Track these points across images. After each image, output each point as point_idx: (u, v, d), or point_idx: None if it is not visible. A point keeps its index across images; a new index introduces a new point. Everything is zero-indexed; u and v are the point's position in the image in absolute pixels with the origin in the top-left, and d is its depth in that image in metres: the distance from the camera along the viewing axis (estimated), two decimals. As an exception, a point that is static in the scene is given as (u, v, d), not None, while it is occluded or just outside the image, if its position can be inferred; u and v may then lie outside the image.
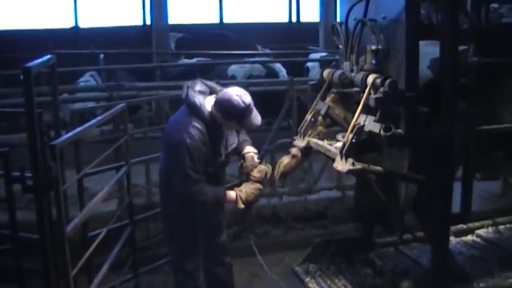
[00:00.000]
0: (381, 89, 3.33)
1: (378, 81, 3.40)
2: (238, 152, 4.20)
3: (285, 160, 4.13)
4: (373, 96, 3.33)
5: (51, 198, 2.89)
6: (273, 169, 4.17)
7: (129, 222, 4.65)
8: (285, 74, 10.86)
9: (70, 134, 3.44)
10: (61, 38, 13.41)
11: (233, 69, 10.81)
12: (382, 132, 3.28)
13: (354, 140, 3.39)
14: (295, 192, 6.51)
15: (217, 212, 4.21)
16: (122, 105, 4.44)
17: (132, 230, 4.64)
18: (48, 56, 3.48)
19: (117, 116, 4.56)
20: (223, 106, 3.75)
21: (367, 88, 3.45)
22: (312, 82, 4.32)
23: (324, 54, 12.50)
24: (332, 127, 4.21)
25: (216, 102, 3.79)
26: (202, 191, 3.82)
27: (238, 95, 3.73)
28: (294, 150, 4.14)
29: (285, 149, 6.40)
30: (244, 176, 4.21)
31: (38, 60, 3.10)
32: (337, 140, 3.84)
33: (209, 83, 4.02)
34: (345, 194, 6.65)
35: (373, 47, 3.56)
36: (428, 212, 3.83)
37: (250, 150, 4.17)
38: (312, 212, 6.50)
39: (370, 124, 3.40)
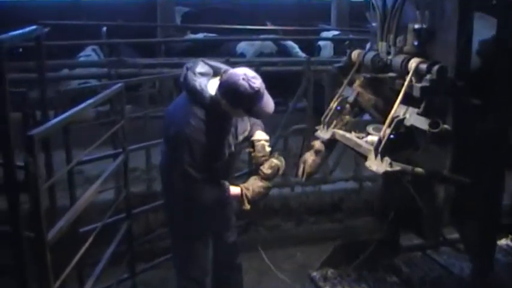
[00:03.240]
0: (427, 77, 2.80)
1: (423, 66, 2.86)
2: (248, 138, 3.65)
3: (310, 158, 3.58)
4: (418, 84, 2.80)
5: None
6: (286, 160, 3.64)
7: (126, 216, 4.15)
8: (299, 51, 10.28)
9: (56, 120, 2.90)
10: (62, 10, 12.81)
11: (242, 46, 10.20)
12: (428, 128, 2.74)
13: (392, 136, 2.86)
14: (308, 182, 5.94)
15: (224, 209, 3.68)
16: (118, 85, 3.90)
17: (130, 224, 4.14)
18: (33, 27, 2.95)
19: (114, 96, 4.03)
20: (228, 91, 3.16)
21: (409, 74, 2.92)
22: (338, 64, 3.76)
23: (336, 33, 11.90)
24: (359, 116, 3.68)
25: (220, 86, 3.21)
26: (202, 189, 3.31)
27: (246, 78, 3.11)
28: (317, 145, 3.60)
29: (299, 136, 6.04)
30: (253, 166, 3.68)
31: (16, 32, 2.57)
32: (368, 133, 3.32)
33: (213, 62, 3.41)
34: (362, 185, 6.14)
35: (416, 26, 3.03)
36: (470, 219, 3.33)
37: (261, 138, 3.60)
38: (326, 204, 5.98)
39: (413, 117, 2.87)
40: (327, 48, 11.18)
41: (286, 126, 5.81)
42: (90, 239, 3.28)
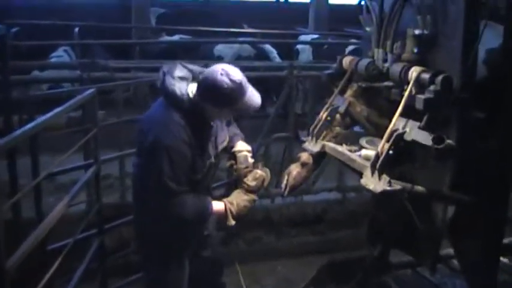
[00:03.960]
0: (431, 87, 2.56)
1: (425, 76, 2.62)
2: (228, 150, 3.39)
3: (295, 170, 3.32)
4: (421, 96, 2.55)
5: None
6: (272, 173, 3.39)
7: (98, 231, 3.85)
8: (277, 56, 10.06)
9: (22, 129, 2.61)
10: (34, 10, 12.39)
11: (220, 49, 9.97)
12: (432, 144, 2.51)
13: (390, 152, 2.61)
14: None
15: (204, 224, 3.41)
16: (91, 90, 3.62)
17: (102, 240, 3.85)
18: (-4, 27, 2.66)
19: (86, 102, 3.73)
20: (208, 91, 2.90)
21: (410, 84, 2.67)
22: (328, 72, 3.50)
23: (315, 36, 11.72)
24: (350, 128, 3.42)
25: (200, 88, 2.94)
26: (183, 205, 3.00)
27: (224, 73, 2.85)
28: (304, 157, 3.33)
29: (280, 143, 5.80)
30: (233, 176, 3.43)
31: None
32: (361, 147, 3.07)
33: (191, 66, 3.12)
34: (346, 196, 5.95)
35: (417, 32, 2.78)
36: (470, 237, 3.10)
37: (242, 149, 3.35)
38: (309, 216, 5.76)
39: (414, 132, 2.63)
40: (305, 52, 11.04)
41: (266, 133, 5.57)
42: (59, 259, 2.98)
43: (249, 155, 3.35)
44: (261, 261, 5.30)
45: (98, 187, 3.79)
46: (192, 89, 3.00)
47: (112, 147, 4.84)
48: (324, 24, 13.05)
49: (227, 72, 2.85)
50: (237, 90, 2.88)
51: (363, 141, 3.10)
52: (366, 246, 4.38)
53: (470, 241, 3.16)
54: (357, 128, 3.46)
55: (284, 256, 5.41)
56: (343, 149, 3.12)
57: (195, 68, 3.11)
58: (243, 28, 12.42)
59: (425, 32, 2.76)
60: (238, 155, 3.33)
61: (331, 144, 3.20)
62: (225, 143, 3.31)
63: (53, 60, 8.98)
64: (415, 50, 2.82)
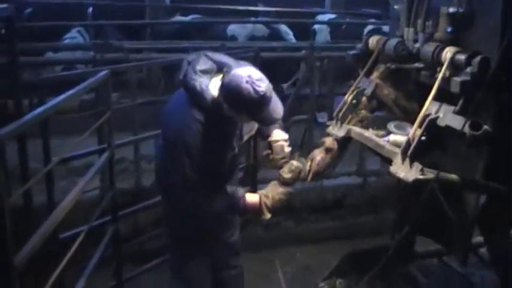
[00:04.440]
0: (467, 69, 2.38)
1: (461, 57, 2.44)
2: (263, 137, 3.25)
3: (318, 156, 3.16)
4: (457, 79, 2.37)
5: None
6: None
7: (112, 218, 3.73)
8: (293, 37, 9.82)
9: (31, 114, 2.46)
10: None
11: (233, 29, 9.66)
12: (469, 130, 2.33)
13: (423, 138, 2.44)
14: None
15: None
16: (104, 72, 3.46)
17: (116, 228, 3.72)
18: (2, 6, 2.50)
19: (99, 84, 3.58)
20: (230, 95, 2.71)
21: (444, 66, 2.49)
22: (353, 52, 3.31)
23: (332, 16, 11.45)
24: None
25: (222, 88, 2.77)
26: (213, 201, 2.94)
27: (250, 81, 2.66)
28: (328, 142, 3.17)
29: (301, 126, 5.64)
30: (251, 160, 3.27)
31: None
32: (390, 132, 2.90)
33: (217, 56, 2.94)
34: (366, 180, 5.78)
35: (451, 9, 2.59)
36: (501, 229, 2.94)
37: (279, 138, 3.19)
38: (328, 201, 5.58)
39: (448, 117, 2.46)
40: (322, 32, 10.74)
41: (285, 116, 5.40)
42: (73, 249, 2.86)
43: (286, 144, 3.20)
44: (279, 248, 5.16)
45: (111, 173, 3.65)
46: (215, 83, 2.83)
47: (126, 129, 4.71)
48: (341, 3, 12.76)
49: (253, 81, 2.66)
50: (259, 101, 2.69)
51: (390, 126, 2.93)
52: (389, 233, 4.24)
53: (502, 232, 2.99)
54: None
55: (303, 242, 5.26)
56: (370, 134, 2.96)
57: (221, 58, 2.93)
58: (256, 7, 12.18)
59: (460, 9, 2.57)
60: (274, 145, 3.19)
61: (357, 129, 3.04)
62: (253, 132, 3.17)
63: (66, 41, 8.84)
64: (449, 29, 2.63)
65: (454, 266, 3.83)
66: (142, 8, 11.02)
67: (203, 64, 2.84)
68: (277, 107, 2.81)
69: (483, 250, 3.62)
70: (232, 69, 2.77)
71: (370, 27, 10.18)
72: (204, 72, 2.82)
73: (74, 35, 9.23)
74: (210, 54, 2.92)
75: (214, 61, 2.88)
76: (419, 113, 3.05)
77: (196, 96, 2.78)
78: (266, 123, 2.98)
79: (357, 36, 9.68)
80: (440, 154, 2.72)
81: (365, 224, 5.46)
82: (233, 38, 9.44)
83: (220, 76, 2.84)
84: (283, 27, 10.00)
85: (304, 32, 10.48)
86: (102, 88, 3.76)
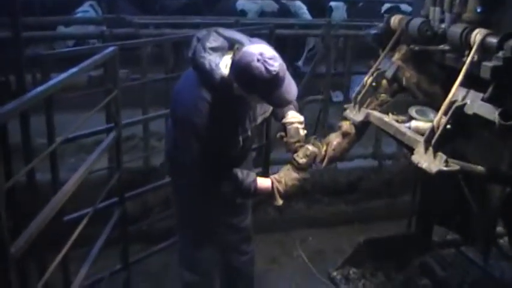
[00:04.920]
0: (499, 54, 2.20)
1: (492, 40, 2.27)
2: (278, 119, 3.09)
3: (335, 140, 3.01)
4: (488, 63, 2.20)
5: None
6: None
7: (119, 200, 3.61)
8: (306, 12, 9.60)
9: (33, 92, 2.33)
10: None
11: (242, 3, 9.46)
12: (498, 119, 2.17)
13: (449, 126, 2.28)
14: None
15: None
16: (111, 48, 3.32)
17: (123, 210, 3.60)
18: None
19: (107, 61, 3.44)
20: (241, 74, 2.53)
21: (473, 49, 2.32)
22: (374, 31, 3.13)
23: (351, -8, 11.20)
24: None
25: (232, 66, 2.59)
26: (220, 185, 2.82)
27: (262, 59, 2.46)
28: (345, 126, 3.01)
29: (315, 106, 5.48)
30: (264, 141, 3.12)
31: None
32: (411, 117, 2.73)
33: (229, 32, 2.75)
34: (382, 163, 5.62)
35: (482, -12, 2.42)
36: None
37: (294, 120, 3.02)
38: (342, 184, 5.42)
39: (476, 104, 2.29)
40: (339, 10, 10.53)
41: (299, 95, 5.24)
42: (76, 233, 2.75)
43: (301, 126, 3.03)
44: (291, 230, 5.04)
45: (118, 153, 3.52)
46: (226, 61, 2.66)
47: (136, 106, 4.60)
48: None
49: (264, 59, 2.47)
50: (271, 81, 2.50)
51: (412, 111, 2.76)
52: (404, 217, 4.11)
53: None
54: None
55: (315, 225, 5.13)
56: (390, 119, 2.80)
57: (233, 35, 2.74)
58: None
59: (493, -12, 2.39)
60: (289, 127, 3.02)
61: (377, 114, 2.88)
62: (267, 114, 3.01)
63: (78, 15, 8.70)
64: (479, 10, 2.45)
65: (472, 257, 3.67)
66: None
67: (213, 41, 2.66)
68: (291, 88, 2.63)
69: (503, 241, 3.48)
70: (244, 47, 2.61)
71: (387, 5, 9.96)
72: (215, 49, 2.65)
73: (86, 9, 9.11)
74: (221, 30, 2.74)
75: (226, 38, 2.70)
76: (442, 97, 2.90)
77: (205, 75, 2.62)
78: (278, 105, 2.80)
79: (374, 14, 9.54)
80: (463, 142, 2.56)
81: (379, 208, 5.32)
82: (243, 12, 9.26)
83: (232, 54, 2.67)
84: (298, 3, 9.78)
85: (320, 9, 10.26)
86: (109, 64, 3.63)
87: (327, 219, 5.22)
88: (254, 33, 4.07)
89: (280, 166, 5.17)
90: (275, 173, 3.02)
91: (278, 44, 3.65)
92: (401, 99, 2.95)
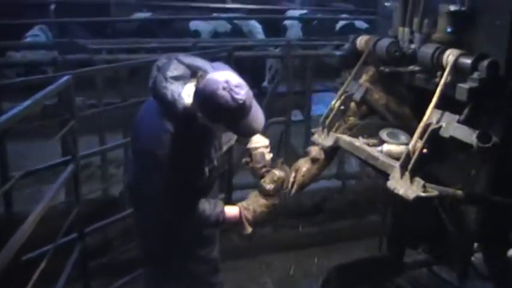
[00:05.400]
0: (475, 75, 2.15)
1: (466, 61, 2.21)
2: (242, 144, 3.02)
3: (303, 166, 2.91)
4: (464, 85, 2.14)
5: None
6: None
7: (78, 235, 3.44)
8: (261, 31, 9.59)
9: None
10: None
11: (196, 23, 9.41)
12: (477, 142, 2.11)
13: (425, 151, 2.21)
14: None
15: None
16: (66, 77, 3.18)
17: (83, 246, 3.44)
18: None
19: (62, 90, 3.28)
20: (205, 103, 2.40)
21: (447, 70, 2.26)
22: (340, 53, 3.06)
23: (303, 11, 11.24)
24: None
25: (196, 95, 2.46)
26: (186, 217, 2.71)
27: (228, 87, 2.34)
28: (314, 152, 2.92)
29: (276, 128, 5.40)
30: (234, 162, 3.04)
31: None
32: (382, 141, 2.66)
33: (190, 59, 2.62)
34: (345, 183, 5.60)
35: (453, 8, 2.36)
36: (501, 244, 2.74)
37: (259, 145, 2.95)
38: (307, 206, 5.37)
39: (452, 127, 2.22)
40: (294, 28, 10.55)
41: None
42: (38, 272, 2.60)
43: (266, 151, 2.96)
44: (257, 256, 4.95)
45: (77, 186, 3.36)
46: (189, 90, 2.53)
47: (92, 131, 4.45)
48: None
49: (230, 87, 2.35)
50: (238, 111, 2.38)
51: (383, 134, 2.69)
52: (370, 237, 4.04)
53: (500, 243, 2.79)
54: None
55: (282, 250, 5.07)
56: (360, 143, 2.71)
57: (195, 62, 2.62)
58: (225, 3, 11.90)
59: (462, 8, 2.34)
60: (254, 152, 2.95)
61: (347, 138, 2.79)
62: (232, 141, 2.91)
63: (28, 39, 8.47)
64: (449, 29, 2.40)
65: (445, 277, 3.62)
66: (106, 5, 10.64)
67: (174, 69, 2.53)
68: (257, 117, 2.52)
69: (475, 258, 3.43)
70: (208, 74, 2.49)
71: (342, 22, 10.04)
72: (176, 78, 2.52)
73: (36, 33, 8.95)
74: (182, 57, 2.61)
75: (187, 65, 2.58)
76: (412, 118, 2.85)
77: (167, 106, 2.49)
78: (245, 135, 2.71)
79: (329, 32, 9.58)
80: (435, 164, 2.49)
81: (345, 228, 5.31)
82: (196, 33, 9.24)
83: (195, 82, 2.55)
84: (252, 22, 9.78)
85: (275, 28, 10.27)
86: (64, 94, 3.46)
87: (292, 242, 5.16)
88: (214, 56, 4.00)
89: (243, 191, 5.12)
90: (238, 199, 2.93)
91: (237, 66, 3.56)
92: (370, 122, 2.87)
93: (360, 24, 9.99)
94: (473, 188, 2.48)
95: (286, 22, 10.72)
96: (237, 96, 2.35)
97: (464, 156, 2.39)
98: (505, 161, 2.37)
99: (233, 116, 2.40)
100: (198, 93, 2.44)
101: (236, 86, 2.37)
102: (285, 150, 5.27)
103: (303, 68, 5.60)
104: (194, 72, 2.57)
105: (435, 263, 3.61)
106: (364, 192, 5.45)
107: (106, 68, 4.19)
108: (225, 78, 2.38)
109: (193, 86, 2.53)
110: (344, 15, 10.38)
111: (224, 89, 2.34)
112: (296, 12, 11.24)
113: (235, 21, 9.69)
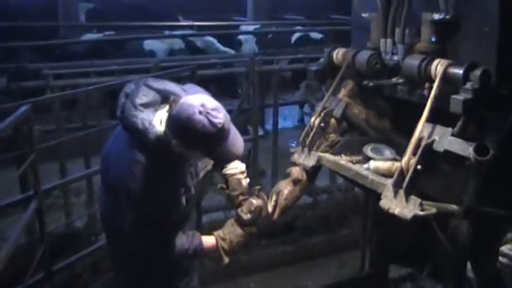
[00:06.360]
0: (468, 85, 2.04)
1: (456, 71, 2.11)
2: (218, 169, 2.84)
3: (285, 189, 2.77)
4: (458, 97, 2.03)
5: None
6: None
7: (45, 275, 3.21)
8: (220, 46, 9.43)
9: None
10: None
11: (149, 43, 9.16)
12: (474, 155, 2.00)
13: (419, 167, 2.09)
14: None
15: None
16: (24, 108, 2.97)
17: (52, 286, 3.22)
18: None
19: (20, 121, 3.06)
20: (180, 129, 2.26)
21: (436, 81, 2.15)
22: (315, 67, 2.92)
23: (257, 26, 11.17)
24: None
25: (170, 121, 2.31)
26: (162, 249, 2.58)
27: (204, 111, 2.21)
28: (296, 172, 2.78)
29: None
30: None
31: None
32: (368, 157, 2.53)
33: (159, 84, 2.45)
34: (317, 199, 5.48)
35: (436, 16, 2.26)
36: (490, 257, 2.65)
37: (235, 171, 2.79)
38: (279, 225, 5.19)
39: (446, 140, 2.11)
40: (248, 43, 10.46)
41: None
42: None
43: (243, 177, 2.80)
44: (230, 279, 4.80)
45: (41, 224, 3.13)
46: (161, 116, 2.37)
47: (50, 158, 4.20)
48: (263, 12, 12.54)
49: (207, 111, 2.21)
50: (217, 135, 2.25)
51: (367, 150, 2.56)
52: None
53: (491, 254, 2.71)
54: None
55: (255, 271, 4.93)
56: (345, 161, 2.58)
57: (165, 86, 2.45)
58: (178, 21, 11.73)
59: (447, 16, 2.25)
60: (230, 178, 2.79)
61: (330, 156, 2.66)
62: (209, 167, 2.74)
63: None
64: (433, 39, 2.30)
65: (430, 290, 3.53)
66: (55, 27, 10.35)
67: (144, 96, 2.37)
68: (236, 141, 2.39)
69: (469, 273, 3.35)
70: (181, 98, 2.33)
71: (297, 34, 10.00)
72: (146, 105, 2.36)
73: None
74: (151, 82, 2.44)
75: (157, 90, 2.41)
76: (391, 131, 2.75)
77: (138, 136, 2.33)
78: (224, 160, 2.59)
79: (284, 44, 9.51)
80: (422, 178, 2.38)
81: (318, 245, 5.23)
82: (152, 53, 9.02)
83: (167, 107, 2.39)
84: (207, 38, 9.64)
85: (229, 43, 10.15)
86: (22, 125, 3.23)
87: (266, 263, 5.05)
88: (175, 76, 3.84)
89: (212, 214, 4.95)
90: (208, 222, 2.78)
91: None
92: (352, 139, 2.75)
93: (316, 35, 9.97)
94: (464, 202, 2.38)
95: (241, 37, 10.63)
96: (215, 120, 2.21)
97: (455, 169, 2.29)
98: (495, 172, 2.28)
99: (211, 141, 2.27)
100: (172, 120, 2.28)
101: (213, 109, 2.23)
102: (255, 170, 5.13)
103: (264, 83, 5.50)
104: (165, 98, 2.41)
105: (423, 277, 3.52)
106: (336, 207, 5.39)
107: (64, 95, 3.95)
108: (200, 102, 2.24)
109: (165, 112, 2.38)
110: (299, 27, 10.33)
111: (200, 113, 2.20)
112: (250, 27, 11.17)
113: (189, 38, 9.52)
